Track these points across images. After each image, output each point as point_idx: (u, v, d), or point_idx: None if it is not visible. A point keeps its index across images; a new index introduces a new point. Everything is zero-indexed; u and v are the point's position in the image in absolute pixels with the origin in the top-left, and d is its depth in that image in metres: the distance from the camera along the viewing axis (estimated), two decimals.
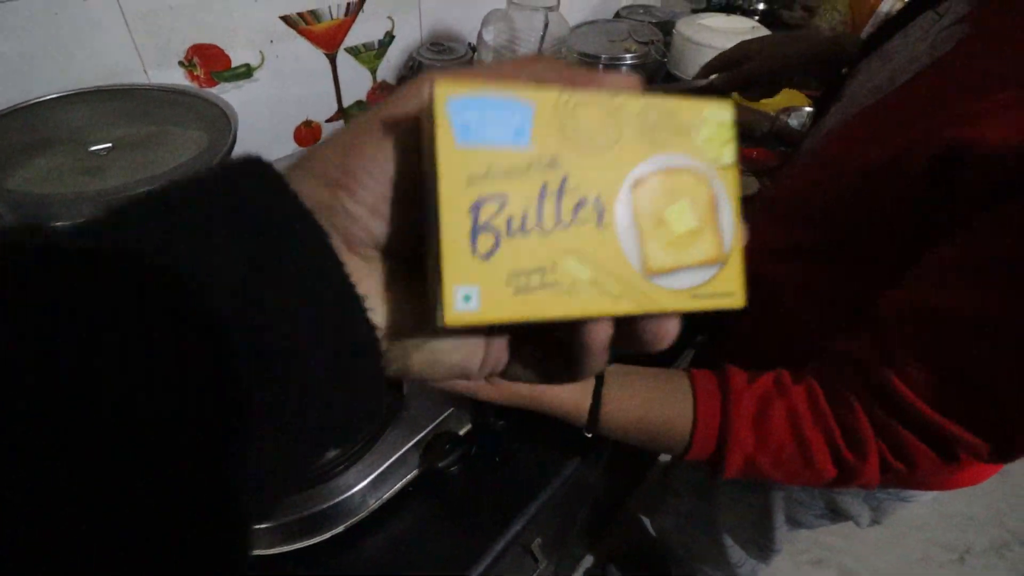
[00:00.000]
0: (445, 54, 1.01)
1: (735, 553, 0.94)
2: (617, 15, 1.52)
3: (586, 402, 0.50)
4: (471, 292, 0.17)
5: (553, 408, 0.51)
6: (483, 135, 0.17)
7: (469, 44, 1.07)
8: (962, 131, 0.37)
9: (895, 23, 0.55)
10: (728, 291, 0.21)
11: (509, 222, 0.18)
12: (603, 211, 0.19)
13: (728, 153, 0.21)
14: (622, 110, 0.19)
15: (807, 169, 0.59)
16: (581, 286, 0.19)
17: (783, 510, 0.77)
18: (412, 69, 1.02)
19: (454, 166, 0.17)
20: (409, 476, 0.53)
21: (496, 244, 0.18)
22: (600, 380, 0.50)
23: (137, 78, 0.74)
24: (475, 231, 0.17)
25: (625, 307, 0.19)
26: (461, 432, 0.56)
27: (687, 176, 0.20)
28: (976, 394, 0.39)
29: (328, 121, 0.99)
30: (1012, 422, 0.39)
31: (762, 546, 0.89)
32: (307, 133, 0.98)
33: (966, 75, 0.41)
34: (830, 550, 1.48)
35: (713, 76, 0.80)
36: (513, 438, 0.59)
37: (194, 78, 0.79)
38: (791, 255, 0.55)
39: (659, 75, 1.39)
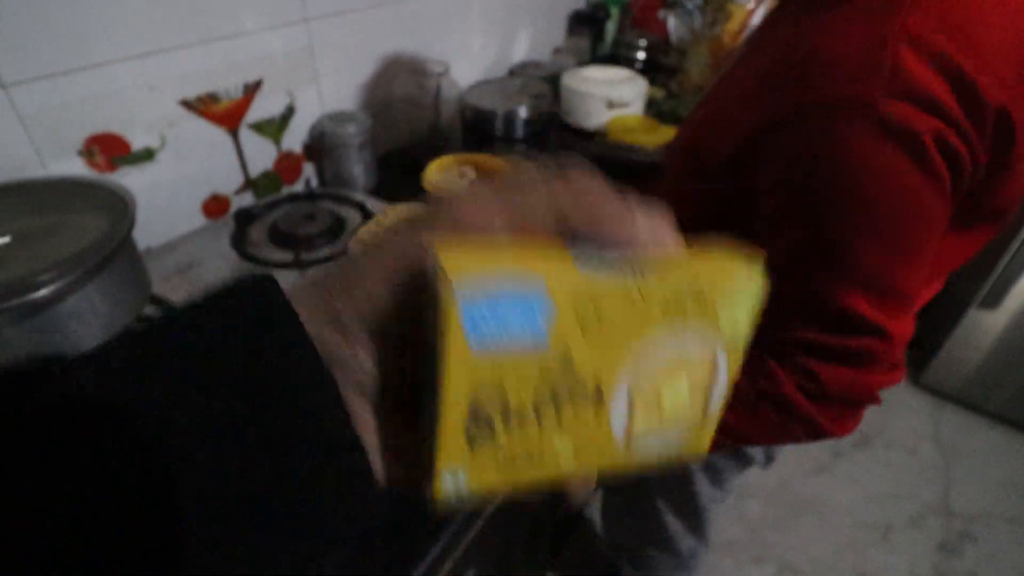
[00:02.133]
0: (347, 122, 1.08)
1: (674, 525, 1.00)
2: (510, 72, 1.66)
3: None
4: (460, 474, 0.18)
5: None
6: (497, 338, 0.16)
7: (368, 111, 1.15)
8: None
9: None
10: (694, 450, 0.21)
11: (507, 416, 0.17)
12: (602, 396, 0.18)
13: (746, 330, 0.20)
14: (647, 298, 0.18)
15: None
16: (563, 458, 0.19)
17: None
18: (317, 139, 1.09)
19: (463, 373, 0.16)
20: None
21: (491, 434, 0.17)
22: None
23: (34, 171, 0.76)
24: (472, 421, 0.17)
25: (596, 465, 0.20)
26: None
27: (694, 357, 0.19)
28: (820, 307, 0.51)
29: (237, 193, 1.03)
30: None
31: (693, 508, 0.94)
32: (216, 206, 1.01)
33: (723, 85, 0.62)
34: (768, 546, 1.56)
35: None
36: None
37: (94, 165, 0.82)
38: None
39: (553, 123, 1.52)
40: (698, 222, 0.58)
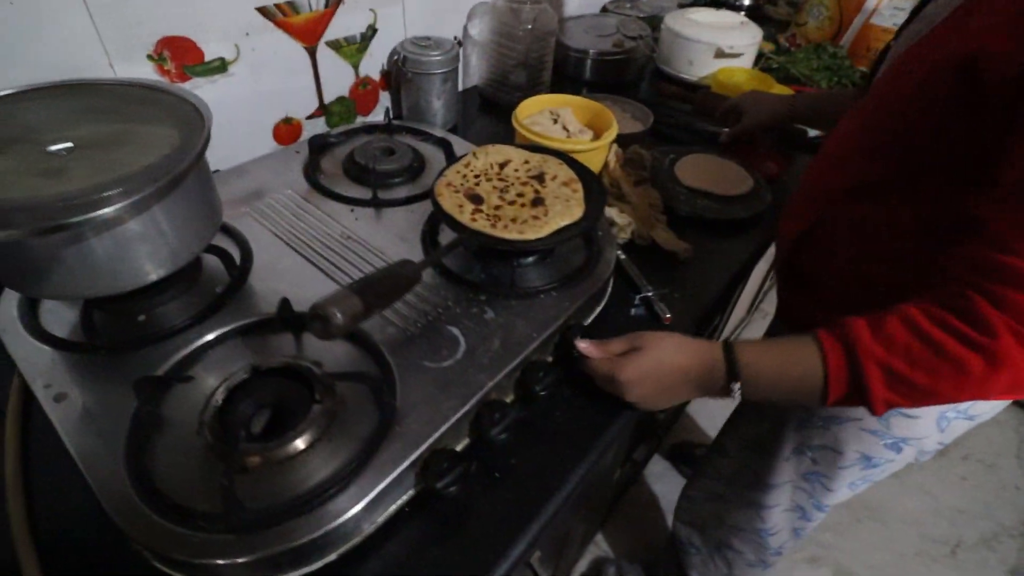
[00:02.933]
0: (431, 49, 0.97)
1: (773, 516, 0.91)
2: (604, 9, 1.49)
3: (719, 358, 0.55)
4: None
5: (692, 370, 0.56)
6: None
7: (455, 38, 1.03)
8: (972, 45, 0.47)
9: (915, 12, 0.66)
10: None
11: None
12: None
13: None
14: None
15: (861, 114, 0.65)
16: None
17: (853, 445, 0.74)
18: (396, 64, 0.98)
19: None
20: (405, 497, 0.49)
21: None
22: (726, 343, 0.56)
23: (102, 72, 0.69)
24: None
25: None
26: (459, 448, 0.53)
27: None
28: None
29: (309, 118, 0.95)
30: None
31: (814, 495, 0.84)
32: (287, 131, 0.93)
33: (970, 10, 0.51)
34: (825, 547, 1.48)
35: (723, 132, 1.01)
36: (512, 452, 0.55)
37: (164, 72, 0.75)
38: (862, 193, 0.61)
39: (647, 69, 1.37)
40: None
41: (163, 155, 0.49)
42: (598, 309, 0.70)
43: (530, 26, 1.03)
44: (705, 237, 0.85)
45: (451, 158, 0.86)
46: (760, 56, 1.45)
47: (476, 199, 0.67)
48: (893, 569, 1.45)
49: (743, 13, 1.77)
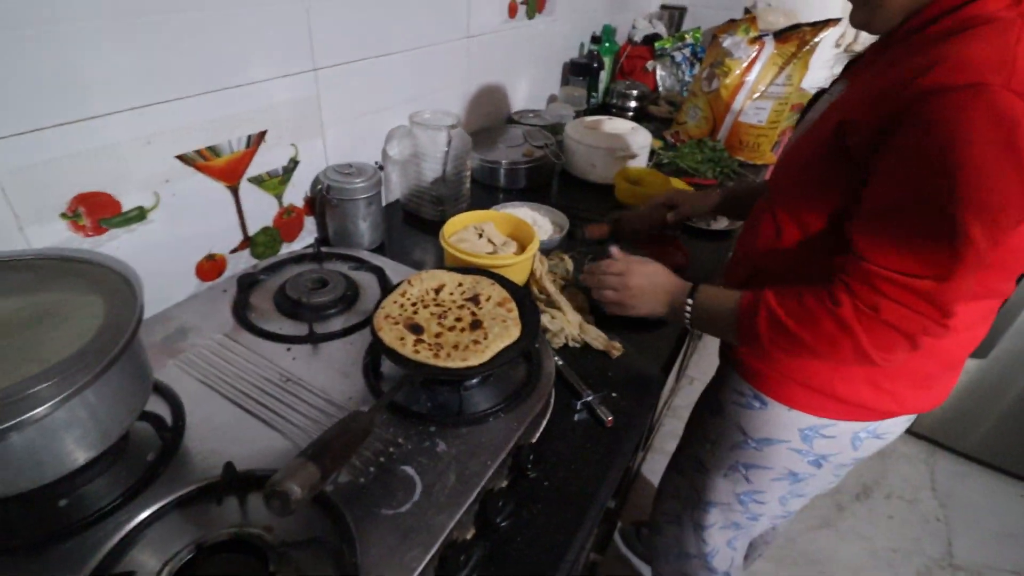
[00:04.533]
0: (354, 176, 1.01)
1: (712, 537, 1.07)
2: (510, 120, 1.63)
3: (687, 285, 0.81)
4: None
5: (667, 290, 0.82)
6: None
7: (376, 163, 1.09)
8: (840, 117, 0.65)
9: (808, 105, 0.85)
10: None
11: None
12: None
13: None
14: None
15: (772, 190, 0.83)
16: None
17: (781, 462, 0.89)
18: (321, 192, 1.01)
19: None
20: None
21: None
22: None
23: (10, 236, 0.66)
24: None
25: None
26: (468, 537, 0.55)
27: None
28: (908, 245, 0.59)
29: (233, 252, 0.94)
30: (930, 254, 0.58)
31: (748, 509, 0.99)
32: (210, 267, 0.92)
33: (843, 101, 0.69)
34: None
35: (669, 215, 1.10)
36: (516, 533, 0.59)
37: (79, 228, 0.73)
38: (779, 242, 0.77)
39: (556, 171, 1.49)
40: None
41: (93, 335, 0.48)
42: (544, 423, 0.72)
43: (446, 148, 1.11)
44: (633, 331, 0.91)
45: (384, 283, 0.88)
46: (652, 153, 1.62)
47: (416, 329, 0.69)
48: None
49: (630, 115, 2.00)
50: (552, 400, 0.74)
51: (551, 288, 0.92)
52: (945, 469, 1.93)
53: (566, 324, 0.88)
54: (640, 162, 1.44)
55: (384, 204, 1.25)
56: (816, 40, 1.53)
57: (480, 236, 0.99)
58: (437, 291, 0.76)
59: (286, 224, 1.02)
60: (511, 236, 1.01)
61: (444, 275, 0.79)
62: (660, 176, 1.37)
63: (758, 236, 0.80)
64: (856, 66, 0.78)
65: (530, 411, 0.67)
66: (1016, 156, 0.51)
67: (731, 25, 1.60)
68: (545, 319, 0.88)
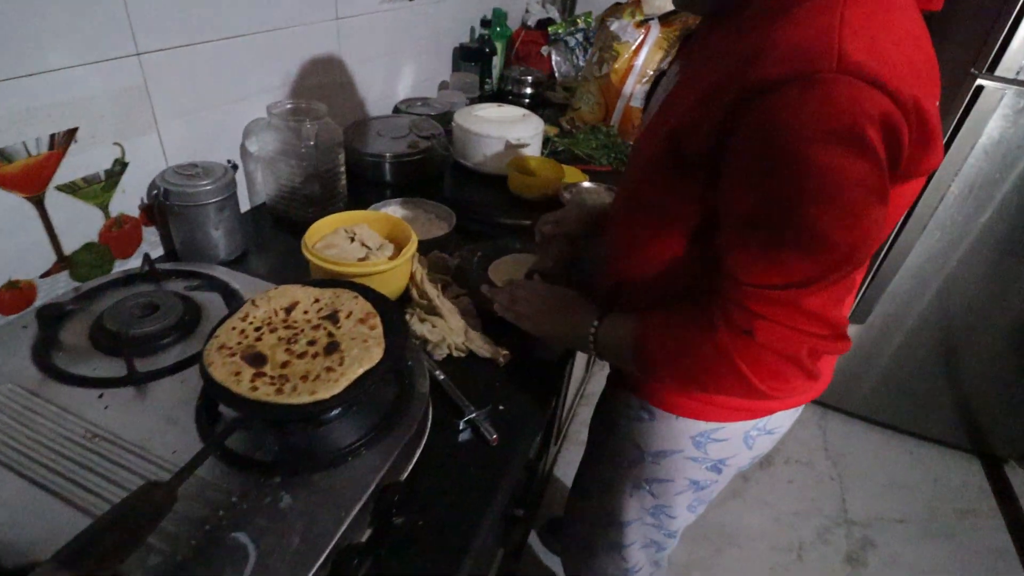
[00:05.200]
0: (199, 178, 0.88)
1: (633, 555, 1.01)
2: (396, 110, 1.52)
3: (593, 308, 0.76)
4: None
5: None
6: None
7: (229, 162, 0.95)
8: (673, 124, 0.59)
9: (651, 89, 0.82)
10: None
11: None
12: None
13: None
14: None
15: (622, 190, 0.77)
16: None
17: (681, 473, 0.85)
18: (158, 197, 0.87)
19: None
20: None
21: None
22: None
23: None
24: None
25: None
26: (363, 540, 0.51)
27: None
28: (772, 257, 0.53)
29: (44, 276, 0.79)
30: (792, 263, 0.53)
31: (662, 525, 0.96)
32: (13, 297, 0.76)
33: (672, 99, 0.64)
34: None
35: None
36: (416, 532, 0.57)
37: None
38: (645, 245, 0.69)
39: (447, 163, 1.40)
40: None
41: None
42: (418, 452, 0.64)
43: (312, 142, 0.99)
44: (523, 335, 0.85)
45: (233, 303, 0.76)
46: (547, 140, 1.57)
47: (257, 359, 0.59)
48: None
49: (527, 102, 1.94)
50: (429, 424, 0.67)
51: (432, 292, 0.84)
52: (836, 430, 2.06)
53: (448, 333, 0.80)
54: (533, 150, 1.38)
55: (250, 207, 1.12)
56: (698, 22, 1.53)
57: (352, 240, 0.89)
58: (288, 310, 0.66)
59: (117, 238, 0.87)
60: (389, 238, 0.92)
61: (297, 291, 0.68)
62: (554, 165, 1.32)
63: (614, 243, 0.75)
64: (690, 44, 0.72)
65: (398, 441, 0.59)
66: (862, 144, 0.47)
67: (617, 9, 1.58)
68: (424, 328, 0.80)
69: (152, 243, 0.93)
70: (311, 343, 0.62)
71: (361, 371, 0.59)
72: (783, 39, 0.49)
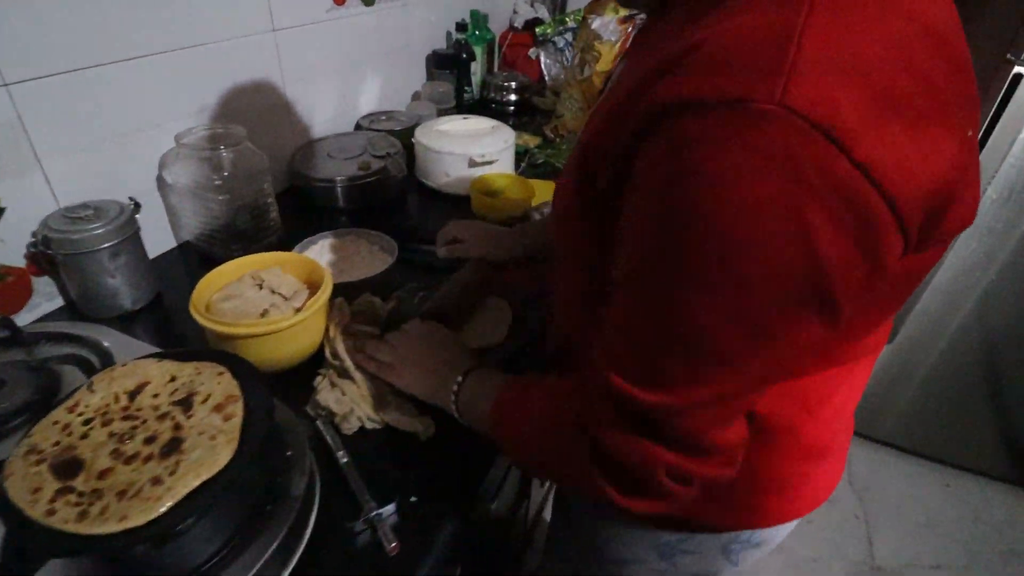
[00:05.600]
0: (90, 221, 0.77)
1: None
2: (358, 127, 1.40)
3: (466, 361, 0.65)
4: None
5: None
6: None
7: (131, 200, 0.84)
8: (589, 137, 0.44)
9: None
10: None
11: None
12: None
13: None
14: None
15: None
16: None
17: None
18: (38, 246, 0.76)
19: None
20: None
21: None
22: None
23: None
24: None
25: None
26: None
27: None
28: (636, 339, 0.39)
29: None
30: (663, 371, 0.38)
31: None
32: None
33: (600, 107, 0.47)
34: None
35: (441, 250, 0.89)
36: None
37: None
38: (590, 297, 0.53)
39: (407, 186, 1.28)
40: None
41: None
42: (292, 562, 0.51)
43: (226, 173, 0.88)
44: None
45: (106, 363, 0.65)
46: (526, 153, 1.44)
47: (70, 468, 0.47)
48: None
49: (512, 109, 1.80)
50: (308, 532, 0.54)
51: (343, 352, 0.71)
52: (861, 460, 1.86)
53: (359, 401, 0.68)
54: (504, 166, 1.25)
55: (176, 244, 1.01)
56: None
57: (261, 287, 0.77)
58: (133, 394, 0.54)
59: (1, 292, 0.77)
60: (308, 282, 0.80)
61: (151, 367, 0.56)
62: (523, 184, 1.18)
63: (555, 285, 0.61)
64: (637, 38, 0.56)
65: (260, 552, 0.47)
66: (797, 226, 0.31)
67: (598, 5, 1.43)
68: (332, 398, 0.68)
69: (47, 294, 0.83)
70: (149, 440, 0.50)
71: (197, 483, 0.46)
72: (719, 37, 0.34)
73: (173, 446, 0.49)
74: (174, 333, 0.83)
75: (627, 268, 0.39)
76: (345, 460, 0.63)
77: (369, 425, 0.68)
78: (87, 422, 0.51)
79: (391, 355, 0.67)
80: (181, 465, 0.47)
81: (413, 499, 0.60)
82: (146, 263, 0.85)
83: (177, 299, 0.90)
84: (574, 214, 0.48)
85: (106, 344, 0.68)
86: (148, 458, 0.48)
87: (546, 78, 2.01)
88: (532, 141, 1.53)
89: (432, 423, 0.67)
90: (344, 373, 0.71)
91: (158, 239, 0.97)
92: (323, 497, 0.56)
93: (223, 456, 0.48)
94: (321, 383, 0.70)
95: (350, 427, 0.67)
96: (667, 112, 0.34)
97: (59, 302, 0.85)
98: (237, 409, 0.52)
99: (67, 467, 0.47)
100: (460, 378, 0.60)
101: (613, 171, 0.40)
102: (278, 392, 0.70)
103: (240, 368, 0.57)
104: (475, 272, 0.84)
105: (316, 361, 0.74)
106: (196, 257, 0.99)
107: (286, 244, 0.99)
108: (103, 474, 0.47)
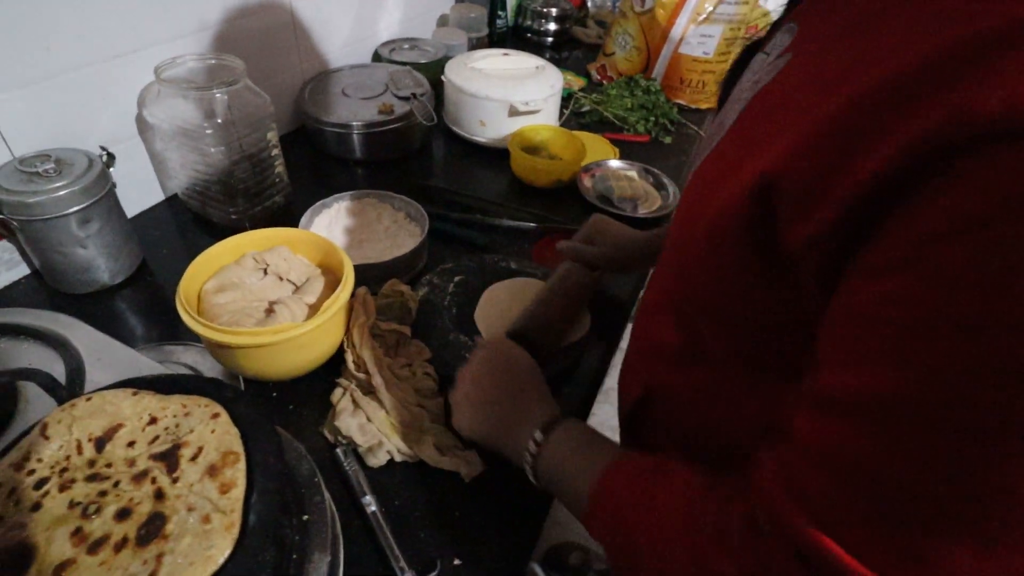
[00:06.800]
0: (49, 178, 0.61)
1: None
2: (376, 56, 1.19)
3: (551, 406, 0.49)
4: None
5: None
6: None
7: (103, 149, 0.68)
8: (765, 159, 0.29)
9: (731, 74, 0.46)
10: None
11: None
12: None
13: None
14: None
15: (663, 257, 0.48)
16: None
17: None
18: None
19: None
20: None
21: None
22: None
23: None
24: None
25: None
26: None
27: None
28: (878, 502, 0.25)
29: None
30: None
31: None
32: None
33: (779, 100, 0.33)
34: None
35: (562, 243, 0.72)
36: None
37: None
38: (686, 358, 0.43)
39: (437, 131, 1.10)
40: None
41: None
42: None
43: (220, 120, 0.71)
44: None
45: (76, 379, 0.51)
46: (570, 96, 1.24)
47: (16, 560, 0.34)
48: None
49: (550, 40, 1.58)
50: None
51: (372, 365, 0.57)
52: None
53: (388, 433, 0.55)
54: (548, 116, 1.06)
55: (164, 197, 0.86)
56: None
57: (265, 273, 0.62)
58: (101, 442, 0.41)
59: None
60: (322, 264, 0.65)
61: (123, 402, 0.43)
62: (573, 141, 1.00)
63: (649, 330, 0.48)
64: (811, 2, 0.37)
65: None
66: None
67: None
68: (354, 424, 0.55)
69: (7, 262, 0.68)
70: (122, 515, 0.37)
71: None
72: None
73: (154, 528, 0.36)
74: (164, 315, 0.69)
75: (881, 381, 0.24)
76: (373, 509, 0.51)
77: (399, 458, 0.55)
78: (40, 484, 0.38)
79: (461, 389, 0.53)
80: (164, 562, 0.35)
81: (457, 562, 0.49)
82: (126, 227, 0.70)
83: (165, 268, 0.75)
84: (727, 255, 0.33)
85: (76, 345, 0.54)
86: (121, 545, 0.35)
87: (589, 5, 1.76)
88: (576, 83, 1.32)
89: (479, 461, 0.55)
90: (369, 390, 0.58)
91: (141, 192, 0.82)
92: (347, 558, 0.44)
93: (219, 547, 0.36)
94: (341, 402, 0.57)
95: (377, 461, 0.54)
96: (986, 133, 0.20)
97: (23, 270, 0.70)
98: (238, 474, 0.39)
99: (12, 558, 0.34)
100: (539, 434, 0.46)
101: (833, 210, 0.25)
102: (286, 410, 0.57)
103: (240, 407, 0.43)
104: (580, 282, 0.68)
105: (332, 364, 0.61)
106: (188, 215, 0.84)
107: (294, 207, 0.84)
108: (63, 568, 0.34)
